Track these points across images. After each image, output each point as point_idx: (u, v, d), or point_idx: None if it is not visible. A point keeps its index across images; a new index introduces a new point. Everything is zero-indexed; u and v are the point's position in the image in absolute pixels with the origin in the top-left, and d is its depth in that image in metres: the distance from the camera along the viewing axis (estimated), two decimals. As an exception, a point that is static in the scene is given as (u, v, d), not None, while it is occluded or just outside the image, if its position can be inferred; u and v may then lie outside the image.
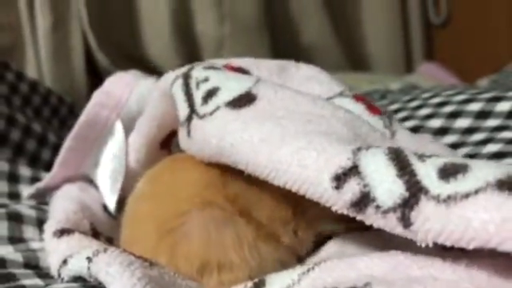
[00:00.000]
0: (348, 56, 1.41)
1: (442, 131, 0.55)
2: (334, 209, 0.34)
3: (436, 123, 0.57)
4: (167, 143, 0.56)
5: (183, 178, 0.46)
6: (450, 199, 0.29)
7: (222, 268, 0.41)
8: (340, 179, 0.34)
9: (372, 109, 0.48)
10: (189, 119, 0.45)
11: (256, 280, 0.39)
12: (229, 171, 0.42)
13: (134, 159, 0.56)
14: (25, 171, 0.68)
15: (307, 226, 0.43)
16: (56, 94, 0.88)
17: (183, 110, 0.46)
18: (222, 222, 0.42)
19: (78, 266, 0.39)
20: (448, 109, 0.57)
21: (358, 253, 0.38)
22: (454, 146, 0.52)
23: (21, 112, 0.75)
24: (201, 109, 0.44)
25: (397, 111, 0.64)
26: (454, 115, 0.56)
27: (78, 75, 1.10)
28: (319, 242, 0.44)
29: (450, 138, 0.54)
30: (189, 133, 0.45)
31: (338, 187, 0.34)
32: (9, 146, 0.70)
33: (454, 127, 0.54)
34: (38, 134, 0.74)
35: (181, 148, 0.48)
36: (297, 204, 0.42)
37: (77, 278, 0.40)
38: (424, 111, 0.60)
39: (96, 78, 1.09)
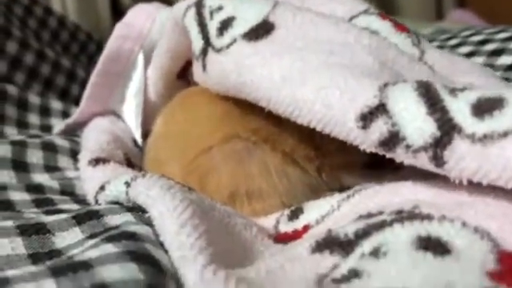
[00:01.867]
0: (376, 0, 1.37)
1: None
2: (361, 147, 0.33)
3: (477, 61, 0.54)
4: (184, 74, 0.54)
5: (198, 115, 0.45)
6: (486, 138, 0.28)
7: (252, 196, 0.41)
8: (366, 118, 0.32)
9: (399, 26, 0.45)
10: (204, 52, 0.43)
11: (293, 208, 0.39)
12: (245, 104, 0.40)
13: (153, 92, 0.55)
14: (56, 105, 0.68)
15: (330, 172, 0.43)
16: (84, 30, 0.87)
17: (197, 43, 0.44)
18: (246, 152, 0.41)
19: (115, 191, 0.38)
20: (490, 47, 0.55)
21: None
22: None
23: (50, 47, 0.74)
24: (216, 41, 0.42)
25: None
26: (497, 53, 0.54)
27: (103, 15, 1.09)
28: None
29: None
30: (204, 67, 0.43)
31: (364, 127, 0.32)
32: (39, 80, 0.70)
33: (497, 64, 0.52)
34: (66, 69, 0.74)
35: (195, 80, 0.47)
36: (318, 146, 0.41)
37: (114, 203, 0.40)
38: (464, 49, 0.58)
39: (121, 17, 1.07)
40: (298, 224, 0.37)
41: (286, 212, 0.39)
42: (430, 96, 0.31)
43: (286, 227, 0.38)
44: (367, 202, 0.34)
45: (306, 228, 0.36)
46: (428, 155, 0.30)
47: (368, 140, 0.33)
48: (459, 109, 0.30)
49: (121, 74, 0.58)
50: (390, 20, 0.46)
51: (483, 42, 0.56)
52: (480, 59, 0.54)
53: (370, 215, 0.31)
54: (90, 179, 0.46)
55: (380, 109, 0.32)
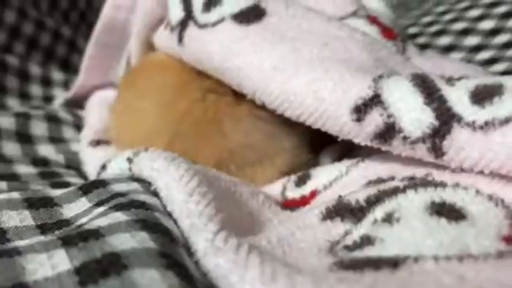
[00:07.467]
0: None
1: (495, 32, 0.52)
2: (356, 141, 0.33)
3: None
4: None
5: (148, 94, 0.43)
6: (487, 126, 0.27)
7: (242, 164, 0.40)
8: (360, 111, 0.31)
9: (386, 32, 0.45)
10: (183, 24, 0.42)
11: (300, 173, 0.39)
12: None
13: (135, 63, 0.53)
14: (57, 75, 0.67)
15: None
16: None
17: (177, 12, 0.43)
18: (216, 124, 0.40)
19: (118, 168, 0.37)
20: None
21: None
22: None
23: (49, 16, 0.73)
24: (201, 16, 0.41)
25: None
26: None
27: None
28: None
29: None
30: (181, 39, 0.42)
31: (358, 119, 0.31)
32: (39, 50, 0.68)
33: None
34: (67, 38, 0.73)
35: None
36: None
37: (119, 176, 0.39)
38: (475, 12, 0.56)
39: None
40: (306, 190, 0.37)
41: (293, 178, 0.39)
42: (426, 86, 0.30)
43: (293, 193, 0.38)
44: (377, 166, 0.33)
45: (313, 193, 0.36)
46: (426, 146, 0.29)
47: (363, 133, 0.32)
48: (458, 97, 0.29)
49: (117, 45, 0.57)
50: (378, 25, 0.45)
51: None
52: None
53: (380, 180, 0.31)
54: (91, 160, 0.45)
55: (374, 100, 0.31)
